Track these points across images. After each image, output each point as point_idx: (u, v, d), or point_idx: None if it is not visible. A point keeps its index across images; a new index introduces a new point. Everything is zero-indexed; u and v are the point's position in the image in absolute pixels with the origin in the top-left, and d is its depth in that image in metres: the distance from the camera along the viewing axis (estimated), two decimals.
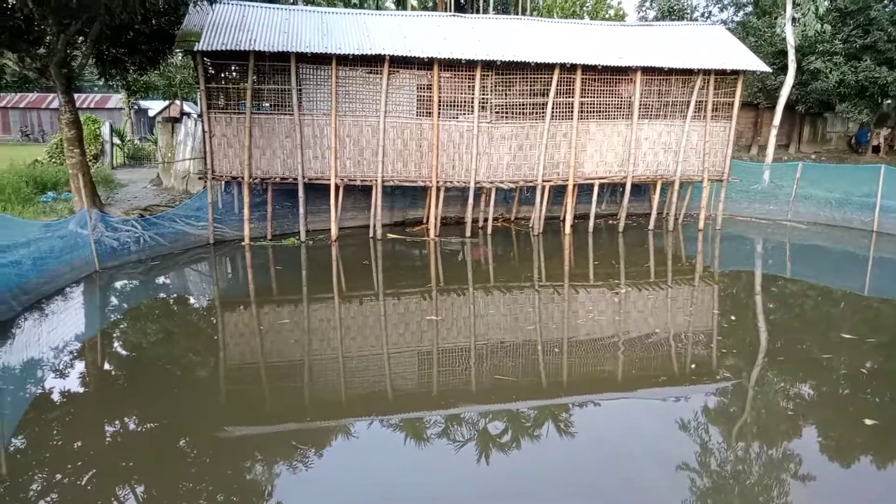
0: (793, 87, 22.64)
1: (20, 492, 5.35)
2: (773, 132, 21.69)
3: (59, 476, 5.61)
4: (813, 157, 28.87)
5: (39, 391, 7.40)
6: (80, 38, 14.18)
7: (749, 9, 32.34)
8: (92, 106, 43.97)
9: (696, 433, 6.65)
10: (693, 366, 8.43)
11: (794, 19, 21.34)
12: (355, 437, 6.62)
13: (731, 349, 9.07)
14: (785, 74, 21.82)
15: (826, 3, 21.72)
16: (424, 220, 16.44)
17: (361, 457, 6.20)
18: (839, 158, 28.35)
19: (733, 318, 10.54)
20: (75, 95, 15.26)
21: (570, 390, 7.79)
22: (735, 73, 15.89)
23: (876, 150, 28.99)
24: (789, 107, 25.88)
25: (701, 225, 16.89)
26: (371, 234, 15.23)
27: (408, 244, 15.25)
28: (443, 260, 14.07)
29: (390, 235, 15.65)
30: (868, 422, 6.75)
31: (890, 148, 29.22)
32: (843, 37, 25.03)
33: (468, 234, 15.72)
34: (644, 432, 6.71)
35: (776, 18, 24.86)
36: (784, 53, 22.64)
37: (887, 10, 24.63)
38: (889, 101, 27.97)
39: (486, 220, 16.30)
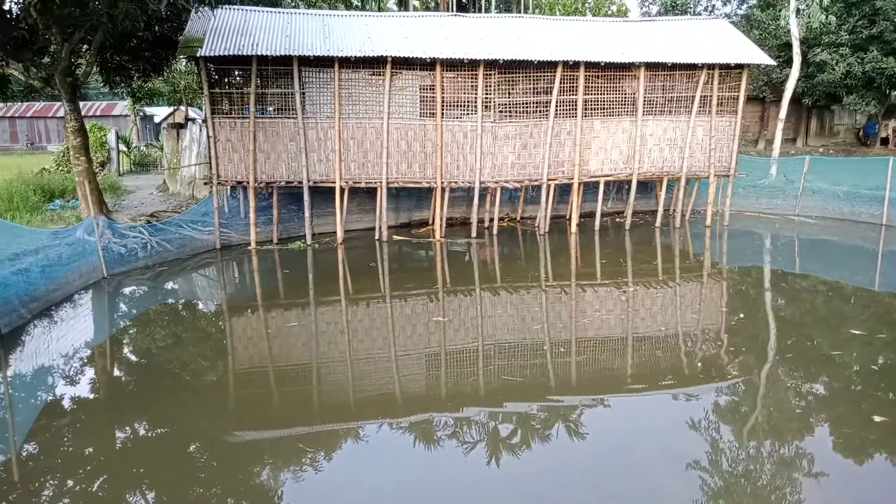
0: (799, 79, 22.50)
1: (32, 498, 5.38)
2: (780, 126, 21.55)
3: (70, 482, 5.64)
4: (820, 150, 28.68)
5: (50, 398, 7.44)
6: (84, 46, 14.26)
7: (753, 1, 32.14)
8: (98, 113, 44.26)
9: (706, 432, 6.61)
10: (702, 364, 8.38)
11: (798, 11, 21.20)
12: (364, 440, 6.62)
13: (740, 346, 9.01)
14: (790, 67, 21.67)
15: None
16: (430, 221, 16.43)
17: (371, 460, 6.20)
18: (847, 151, 28.15)
19: (742, 315, 10.48)
20: (81, 103, 15.37)
21: (578, 390, 7.77)
22: (740, 66, 15.80)
23: (884, 142, 28.78)
24: (795, 100, 25.72)
25: (708, 221, 16.80)
26: (377, 236, 15.24)
27: (414, 245, 15.25)
28: (449, 261, 14.06)
29: (396, 237, 15.65)
30: (877, 419, 6.70)
31: None
32: (849, 28, 24.84)
33: (474, 234, 15.70)
34: (654, 431, 6.67)
35: (780, 11, 24.74)
36: (789, 46, 22.50)
37: None
38: None
39: (491, 220, 16.28)
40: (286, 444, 6.51)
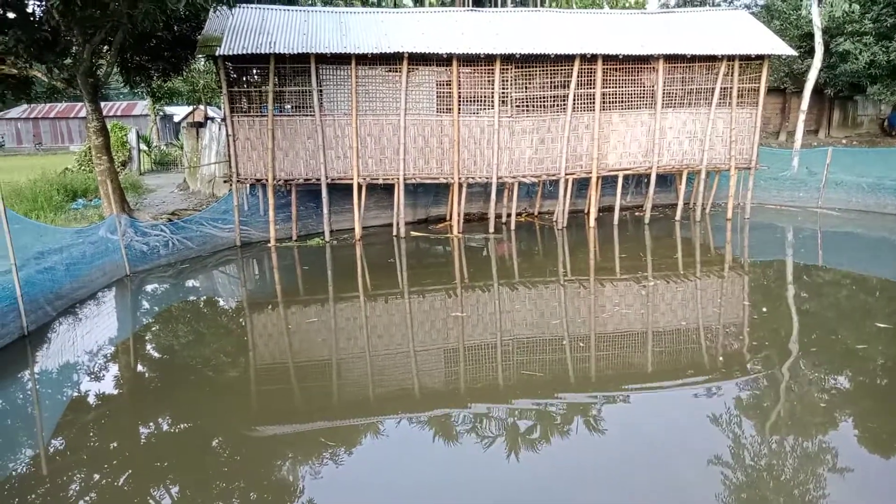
0: (821, 70, 22.12)
1: (60, 492, 5.49)
2: (802, 117, 21.22)
3: (96, 476, 5.74)
4: (843, 141, 28.19)
5: (76, 394, 7.58)
6: (105, 47, 14.46)
7: None
8: (118, 113, 44.86)
9: (728, 427, 6.54)
10: (724, 359, 8.30)
11: (820, 0, 20.82)
12: (384, 434, 6.65)
13: (762, 341, 8.91)
14: (812, 58, 21.32)
15: None
16: (447, 217, 16.43)
17: (390, 454, 6.23)
18: (871, 142, 27.63)
19: (764, 309, 10.35)
20: (102, 104, 15.57)
21: (598, 385, 7.73)
22: (760, 58, 15.57)
23: None
24: (817, 91, 25.28)
25: (729, 214, 16.61)
26: (395, 233, 15.28)
27: (431, 241, 15.26)
28: (467, 256, 14.05)
29: (414, 233, 15.68)
30: None
31: None
32: (873, 16, 24.32)
33: (492, 229, 15.68)
34: (675, 426, 6.62)
35: (801, 0, 24.30)
36: (811, 36, 22.11)
37: None
38: None
39: (509, 215, 16.23)
40: (307, 439, 6.57)
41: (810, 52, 22.45)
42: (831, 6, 20.81)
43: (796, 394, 7.28)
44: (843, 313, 10.12)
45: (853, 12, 21.82)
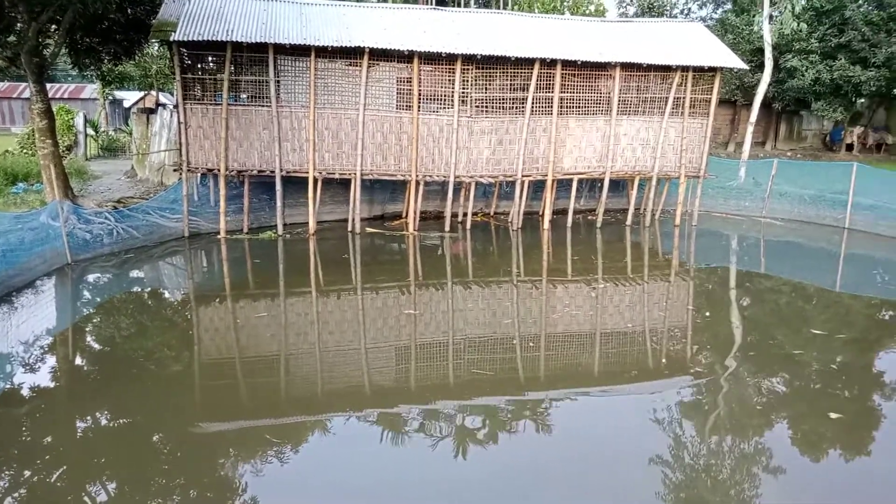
0: (770, 84, 22.94)
1: None
2: (750, 129, 21.95)
3: (27, 473, 5.51)
4: (789, 154, 29.30)
5: (8, 386, 7.26)
6: (53, 26, 13.89)
7: (728, 6, 32.67)
8: (65, 96, 43.12)
9: (670, 428, 6.73)
10: (667, 360, 8.53)
11: (771, 17, 21.60)
12: (332, 432, 6.60)
13: (704, 344, 9.20)
14: (762, 72, 22.07)
15: (802, 2, 22.01)
16: (404, 214, 16.39)
17: (338, 452, 6.19)
18: (814, 156, 28.80)
19: (707, 313, 10.68)
20: (48, 85, 14.97)
21: (547, 385, 7.83)
22: (713, 69, 16.03)
23: (850, 147, 29.52)
24: (766, 104, 26.22)
25: (677, 221, 17.06)
26: (350, 228, 15.15)
27: (387, 238, 15.20)
28: (422, 254, 14.05)
29: (369, 229, 15.58)
30: (833, 416, 6.90)
31: (863, 146, 29.78)
32: (819, 35, 25.40)
33: (447, 228, 15.71)
34: (620, 427, 6.78)
35: (754, 16, 25.12)
36: (761, 51, 22.91)
37: (861, 9, 25.04)
38: (862, 101, 28.46)
39: (465, 214, 16.29)
40: (252, 436, 6.46)
41: (760, 67, 23.24)
42: (781, 24, 21.59)
43: (735, 396, 7.54)
44: (781, 319, 10.52)
45: (801, 31, 22.70)
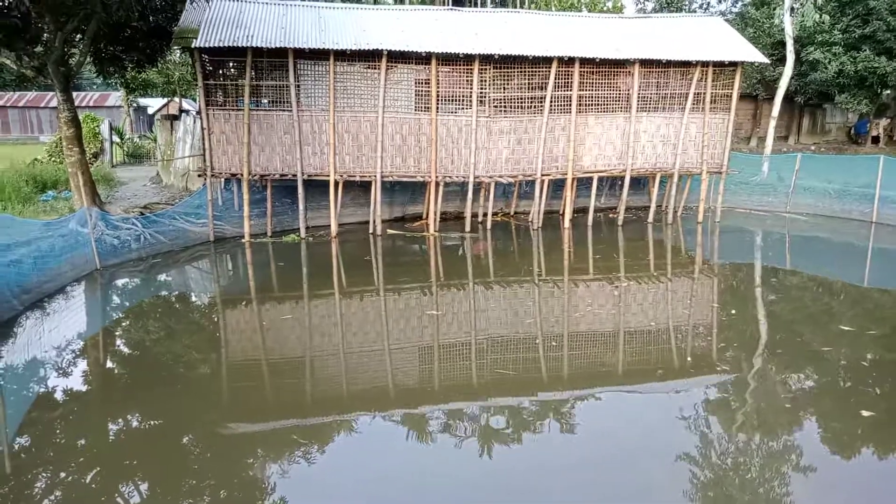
0: (792, 77, 22.60)
1: (24, 490, 5.39)
2: (772, 123, 21.66)
3: (62, 475, 5.65)
4: (812, 148, 28.83)
5: (42, 390, 7.44)
6: (78, 36, 14.18)
7: (747, 0, 32.23)
8: (91, 104, 43.97)
9: (696, 426, 6.68)
10: (692, 359, 8.46)
11: (792, 9, 21.29)
12: (359, 432, 6.65)
13: (730, 342, 9.10)
14: (784, 65, 21.76)
15: None
16: (424, 216, 16.45)
17: (364, 452, 6.24)
18: (839, 149, 28.32)
19: (733, 310, 10.57)
20: (74, 94, 15.27)
21: (571, 384, 7.82)
22: (733, 64, 15.87)
23: (875, 140, 28.96)
24: (788, 98, 25.84)
25: (700, 217, 16.89)
26: (371, 230, 15.25)
27: (408, 239, 15.27)
28: (443, 255, 14.09)
29: (390, 231, 15.66)
30: (865, 413, 6.80)
31: (889, 138, 29.19)
32: (842, 27, 24.95)
33: (468, 228, 15.73)
34: (645, 425, 6.75)
35: (775, 9, 24.81)
36: (783, 44, 22.59)
37: None
38: (888, 92, 27.84)
39: (485, 214, 16.31)
40: (280, 436, 6.54)
41: (782, 60, 22.92)
42: (802, 16, 21.27)
43: (763, 394, 7.46)
44: (808, 316, 10.37)
45: (823, 23, 22.34)
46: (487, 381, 7.82)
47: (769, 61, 18.60)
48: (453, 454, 6.21)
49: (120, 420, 6.85)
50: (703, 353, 8.66)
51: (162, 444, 6.27)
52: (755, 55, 15.87)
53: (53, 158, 22.79)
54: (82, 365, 8.31)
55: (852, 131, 30.71)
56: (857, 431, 6.62)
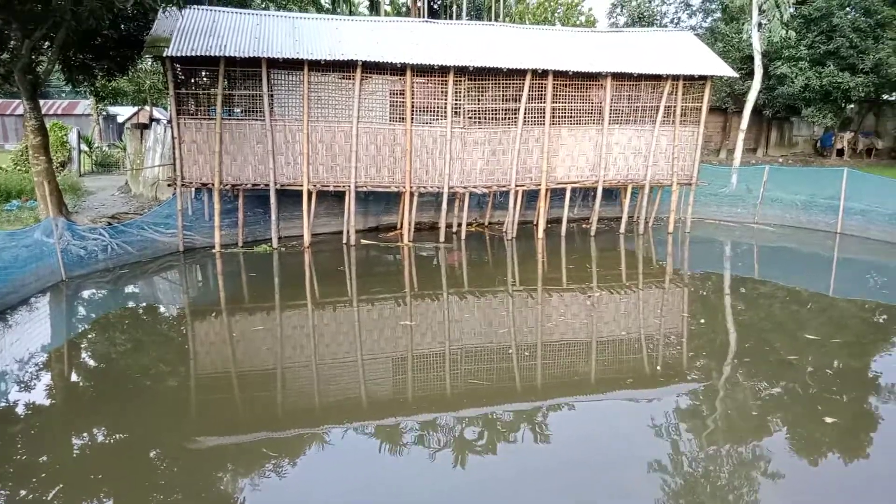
0: (760, 91, 23.13)
1: None
2: (741, 136, 22.11)
3: (23, 492, 5.48)
4: (780, 160, 29.51)
5: (2, 404, 7.22)
6: (46, 43, 13.93)
7: (717, 15, 33.01)
8: (59, 112, 43.15)
9: (666, 434, 6.75)
10: (663, 367, 8.55)
11: (760, 25, 21.83)
12: (331, 445, 6.59)
13: (700, 350, 9.22)
14: (752, 79, 22.27)
15: (791, 10, 22.24)
16: (398, 226, 16.43)
17: (338, 465, 6.17)
18: (805, 162, 29.03)
19: (702, 319, 10.72)
20: (41, 101, 14.99)
21: (544, 393, 7.85)
22: (703, 78, 16.18)
23: (840, 153, 29.76)
24: (757, 111, 26.45)
25: (670, 228, 17.14)
26: (345, 240, 15.17)
27: (382, 250, 15.22)
28: (417, 265, 14.08)
29: (364, 241, 15.60)
30: (829, 420, 6.93)
31: (853, 151, 30.02)
32: (808, 43, 25.67)
33: (442, 239, 15.75)
34: (617, 434, 6.79)
35: (743, 24, 25.41)
36: (751, 59, 23.12)
37: (848, 17, 25.34)
38: (852, 106, 28.73)
39: (459, 225, 16.35)
40: (249, 450, 6.44)
41: (750, 74, 23.45)
42: (770, 32, 21.81)
43: (731, 402, 7.57)
44: (776, 324, 10.56)
45: (790, 38, 22.93)
46: (461, 392, 7.80)
47: (738, 75, 19.00)
48: (427, 466, 6.18)
49: (84, 435, 6.68)
50: (673, 362, 8.76)
51: (128, 460, 6.13)
52: (724, 69, 16.21)
53: (19, 167, 22.30)
54: (46, 378, 8.10)
55: (818, 144, 31.52)
56: (821, 437, 6.74)
